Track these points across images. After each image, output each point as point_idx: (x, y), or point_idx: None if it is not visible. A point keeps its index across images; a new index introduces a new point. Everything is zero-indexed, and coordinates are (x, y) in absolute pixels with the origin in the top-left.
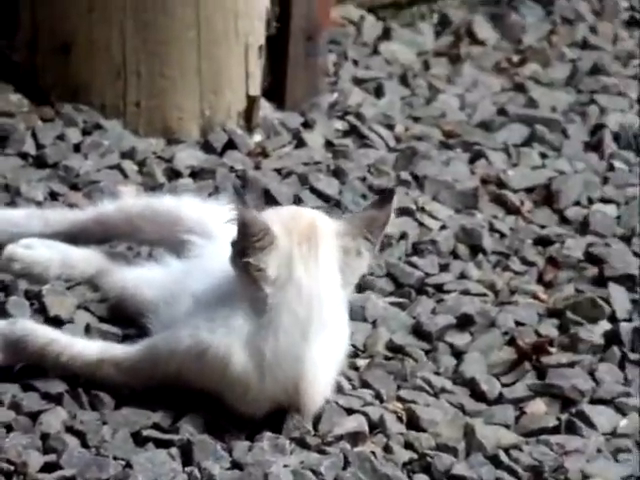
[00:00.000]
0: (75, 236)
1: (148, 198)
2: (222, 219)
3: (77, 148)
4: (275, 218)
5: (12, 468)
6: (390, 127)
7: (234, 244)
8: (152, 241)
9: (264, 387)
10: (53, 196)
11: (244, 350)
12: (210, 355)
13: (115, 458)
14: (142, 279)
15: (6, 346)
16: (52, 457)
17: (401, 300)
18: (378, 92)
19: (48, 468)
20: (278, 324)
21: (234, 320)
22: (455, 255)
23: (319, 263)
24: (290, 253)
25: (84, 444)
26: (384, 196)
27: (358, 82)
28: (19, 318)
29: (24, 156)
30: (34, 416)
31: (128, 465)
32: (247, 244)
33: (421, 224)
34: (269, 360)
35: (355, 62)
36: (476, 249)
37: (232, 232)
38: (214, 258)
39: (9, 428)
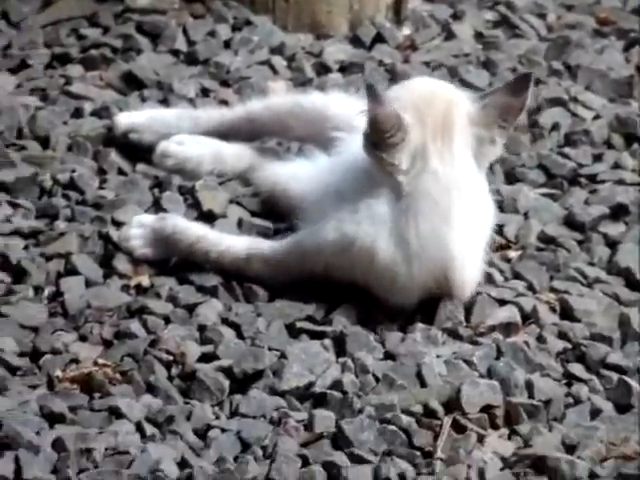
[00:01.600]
0: (225, 134)
1: (296, 95)
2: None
3: (227, 44)
4: (408, 102)
5: (171, 358)
6: (542, 16)
7: (367, 136)
8: (300, 138)
9: (412, 274)
10: (204, 92)
11: (389, 239)
12: (357, 247)
13: (270, 349)
14: (292, 174)
15: (157, 241)
16: (209, 348)
17: (553, 191)
18: None
19: (205, 358)
20: (417, 211)
21: (377, 209)
22: (609, 145)
23: (454, 153)
24: (424, 146)
25: (239, 335)
26: (521, 81)
27: None
28: (168, 214)
29: (176, 53)
30: (191, 308)
31: (283, 356)
32: (379, 139)
33: (574, 114)
34: (414, 246)
35: None
36: (631, 138)
37: (364, 123)
38: (357, 153)
39: (167, 320)
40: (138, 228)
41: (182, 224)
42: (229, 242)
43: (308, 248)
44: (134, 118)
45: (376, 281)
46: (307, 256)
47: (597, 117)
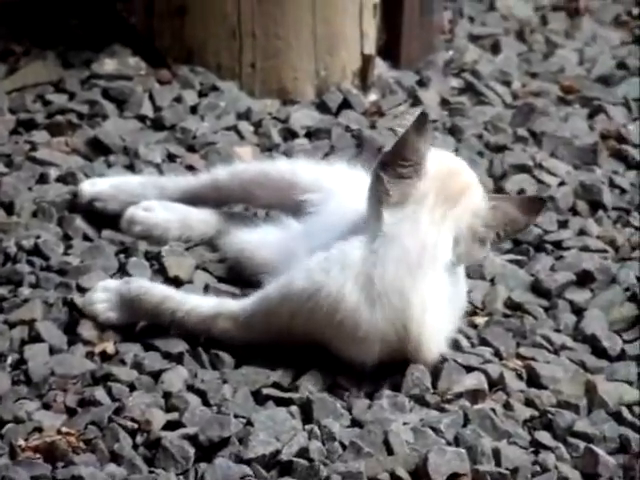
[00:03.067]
0: (191, 201)
1: (261, 163)
2: (337, 177)
3: (194, 110)
4: (436, 161)
5: (136, 426)
6: (507, 84)
7: (384, 154)
8: (267, 205)
9: (374, 321)
10: (171, 158)
11: (355, 281)
12: (323, 294)
13: (236, 416)
14: (260, 240)
15: (122, 305)
16: (174, 415)
17: (519, 257)
18: (494, 48)
19: (171, 426)
20: (387, 253)
21: (349, 253)
22: (574, 212)
23: (445, 223)
24: (425, 196)
25: (205, 402)
26: (535, 202)
27: (474, 39)
28: (134, 278)
29: (142, 119)
30: (156, 375)
31: (249, 423)
32: (394, 161)
33: (539, 181)
34: (377, 288)
35: (471, 19)
36: (596, 205)
37: (390, 143)
38: (333, 213)
39: (132, 387)
40: (103, 292)
41: (147, 285)
42: (195, 302)
43: (274, 298)
44: (98, 187)
45: (338, 330)
46: (273, 308)
47: (562, 184)
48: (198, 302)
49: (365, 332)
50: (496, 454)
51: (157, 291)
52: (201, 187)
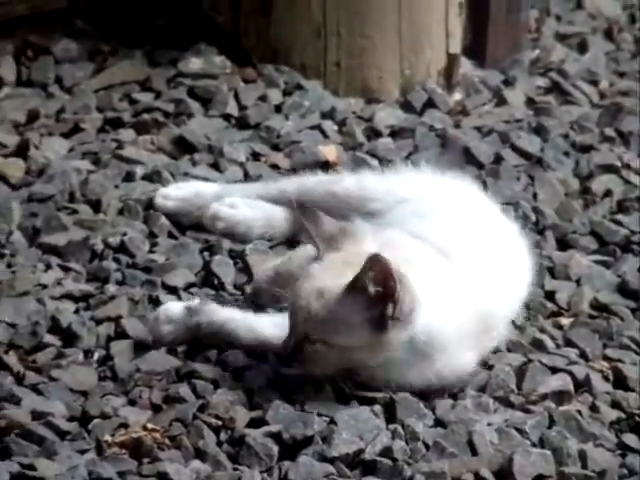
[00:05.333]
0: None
1: (328, 182)
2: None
3: (278, 109)
4: None
5: (220, 423)
6: (594, 83)
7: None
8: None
9: None
10: (255, 156)
11: None
12: None
13: (319, 415)
14: None
15: (191, 334)
16: (258, 413)
17: (606, 258)
18: (582, 48)
19: (254, 423)
20: None
21: None
22: None
23: None
24: None
25: (289, 400)
26: None
27: (561, 38)
28: (199, 305)
29: (227, 117)
30: (240, 372)
31: (332, 422)
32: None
33: (626, 181)
34: None
35: (558, 17)
36: None
37: None
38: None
39: (216, 384)
40: (168, 324)
41: (215, 323)
42: (266, 333)
43: None
44: (171, 203)
45: None
46: None
47: None
48: (269, 335)
49: None
50: (582, 456)
51: (227, 329)
52: (271, 200)
